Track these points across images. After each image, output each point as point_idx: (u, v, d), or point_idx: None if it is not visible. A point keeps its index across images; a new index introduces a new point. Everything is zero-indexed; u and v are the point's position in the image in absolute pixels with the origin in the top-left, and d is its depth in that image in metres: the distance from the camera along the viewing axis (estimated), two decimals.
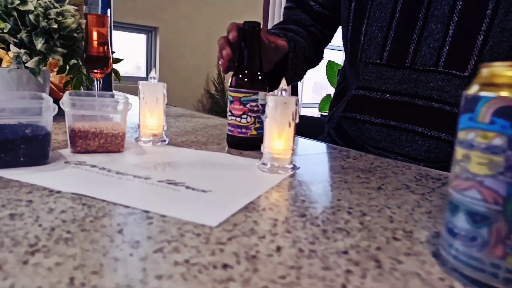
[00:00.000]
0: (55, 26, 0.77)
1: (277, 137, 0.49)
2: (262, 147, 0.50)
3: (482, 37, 0.60)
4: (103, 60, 0.83)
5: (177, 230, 0.30)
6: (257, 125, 0.60)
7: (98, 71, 0.84)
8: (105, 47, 0.83)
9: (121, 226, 0.30)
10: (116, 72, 0.90)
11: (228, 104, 0.61)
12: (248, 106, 0.59)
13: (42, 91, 0.85)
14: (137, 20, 3.59)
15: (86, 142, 0.51)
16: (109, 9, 0.84)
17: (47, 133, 0.45)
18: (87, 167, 0.45)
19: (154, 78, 0.59)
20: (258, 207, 0.36)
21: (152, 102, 0.59)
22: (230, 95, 0.60)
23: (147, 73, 4.17)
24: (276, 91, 0.48)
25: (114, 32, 0.82)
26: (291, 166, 0.49)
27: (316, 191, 0.42)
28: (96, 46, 0.82)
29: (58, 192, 0.36)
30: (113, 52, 0.86)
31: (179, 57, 3.50)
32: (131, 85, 1.10)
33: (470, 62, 0.62)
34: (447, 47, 0.62)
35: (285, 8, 0.96)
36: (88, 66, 0.83)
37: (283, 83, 0.48)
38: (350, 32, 0.78)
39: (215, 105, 3.99)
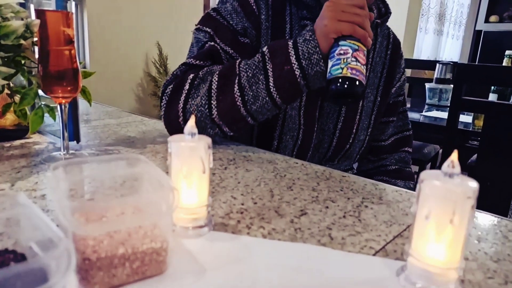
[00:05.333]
0: None
1: (437, 240, 0.31)
2: (407, 254, 0.32)
3: (349, 145, 0.84)
4: (69, 77, 0.57)
5: None
6: None
7: (61, 94, 0.58)
8: (71, 55, 0.57)
9: None
10: (85, 91, 0.64)
11: (351, 51, 0.60)
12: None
13: None
14: None
15: (110, 273, 0.29)
16: (69, 0, 0.57)
17: None
18: None
19: (194, 134, 0.37)
20: None
21: (192, 171, 0.37)
22: (354, 44, 0.60)
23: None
24: (445, 166, 0.29)
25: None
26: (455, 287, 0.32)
27: None
28: (58, 56, 0.56)
29: None
30: (80, 63, 0.59)
31: (112, 34, 3.05)
32: None
33: (338, 157, 0.86)
34: (330, 153, 0.84)
35: (191, 65, 0.71)
36: (47, 88, 0.56)
37: (455, 156, 0.29)
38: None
39: (158, 90, 3.61)
